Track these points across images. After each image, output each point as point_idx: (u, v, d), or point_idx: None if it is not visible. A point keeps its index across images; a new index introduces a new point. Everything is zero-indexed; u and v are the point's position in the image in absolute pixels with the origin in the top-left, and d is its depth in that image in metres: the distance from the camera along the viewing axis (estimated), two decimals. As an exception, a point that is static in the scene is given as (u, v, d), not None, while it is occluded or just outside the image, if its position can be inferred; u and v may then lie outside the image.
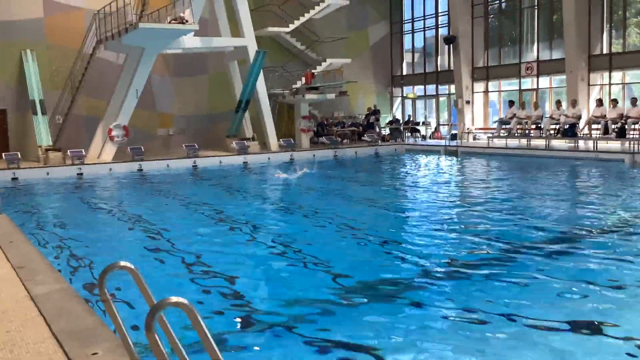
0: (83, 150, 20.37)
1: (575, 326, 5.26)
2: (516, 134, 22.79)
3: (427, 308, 5.86)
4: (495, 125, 24.68)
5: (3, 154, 19.61)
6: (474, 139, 26.41)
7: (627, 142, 19.06)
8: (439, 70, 30.09)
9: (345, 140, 26.85)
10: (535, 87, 25.58)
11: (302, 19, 26.94)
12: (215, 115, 26.49)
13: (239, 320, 5.73)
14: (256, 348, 5.06)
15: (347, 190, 14.89)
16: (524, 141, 22.48)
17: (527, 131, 22.59)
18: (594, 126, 20.87)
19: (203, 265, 7.57)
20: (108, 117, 21.69)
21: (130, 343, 3.14)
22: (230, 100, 25.03)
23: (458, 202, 12.78)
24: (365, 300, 6.16)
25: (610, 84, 22.86)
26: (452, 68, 28.43)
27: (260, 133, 24.34)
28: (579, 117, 21.17)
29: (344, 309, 5.91)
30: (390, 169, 20.49)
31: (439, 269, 7.22)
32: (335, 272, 7.17)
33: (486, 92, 27.81)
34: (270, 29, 26.17)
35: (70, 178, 18.66)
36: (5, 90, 22.45)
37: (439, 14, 29.61)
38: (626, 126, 19.43)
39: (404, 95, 32.12)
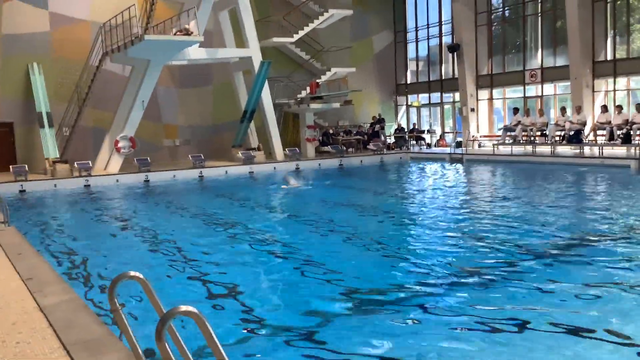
0: (90, 162, 20.47)
1: (585, 332, 5.25)
2: (521, 141, 22.78)
3: (436, 316, 5.87)
4: (500, 133, 24.68)
5: (11, 167, 19.71)
6: (479, 146, 26.41)
7: (633, 147, 19.03)
8: (443, 78, 30.14)
9: (350, 149, 26.89)
10: (539, 94, 25.58)
11: (306, 29, 27.06)
12: (221, 126, 26.60)
13: (246, 329, 5.74)
14: (264, 357, 5.07)
15: (353, 199, 14.90)
16: (529, 148, 22.47)
17: (532, 138, 22.58)
18: (599, 132, 20.86)
19: (211, 275, 7.59)
20: (114, 128, 21.80)
21: (141, 353, 3.17)
22: (235, 111, 25.13)
23: (464, 210, 12.77)
24: (374, 308, 6.17)
25: (615, 90, 22.84)
26: (456, 76, 28.48)
27: (266, 143, 24.42)
28: (584, 124, 21.16)
29: (352, 317, 5.93)
30: (396, 178, 20.50)
31: (446, 277, 7.23)
32: (343, 280, 7.18)
33: (490, 99, 27.83)
34: (275, 39, 26.30)
35: (78, 190, 18.75)
36: (12, 104, 22.62)
37: (443, 23, 29.69)
38: (631, 132, 19.41)
39: (409, 103, 32.18)
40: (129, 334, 3.23)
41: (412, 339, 5.32)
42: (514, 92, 27.24)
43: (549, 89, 25.39)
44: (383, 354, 5.01)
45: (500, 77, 27.03)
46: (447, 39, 29.43)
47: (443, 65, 30.25)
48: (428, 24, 30.54)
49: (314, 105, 25.68)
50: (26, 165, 19.77)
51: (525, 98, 26.10)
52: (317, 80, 26.91)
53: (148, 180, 20.16)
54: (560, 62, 24.46)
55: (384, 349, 5.11)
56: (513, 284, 6.75)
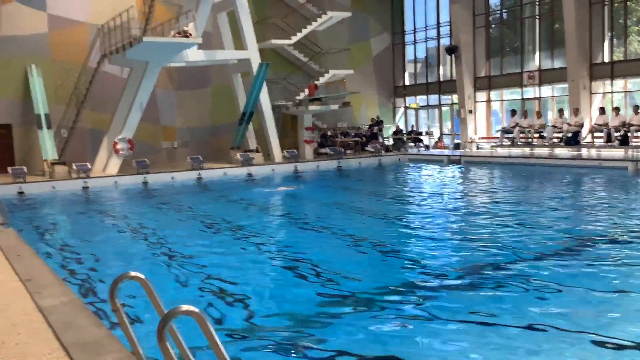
0: (88, 163, 20.47)
1: (584, 333, 5.27)
2: (519, 143, 22.82)
3: (435, 317, 5.88)
4: (498, 134, 24.72)
5: (9, 168, 19.69)
6: (477, 148, 26.46)
7: (630, 149, 19.09)
8: (441, 80, 30.20)
9: (348, 151, 26.92)
10: (537, 96, 25.65)
11: (305, 31, 27.10)
12: (219, 127, 26.61)
13: (245, 329, 5.76)
14: (264, 357, 5.09)
15: (352, 201, 14.92)
16: (527, 150, 22.52)
17: (530, 140, 22.63)
18: (596, 134, 20.92)
19: (212, 276, 7.60)
20: (113, 130, 21.81)
21: (142, 353, 3.18)
22: (234, 113, 25.15)
23: (463, 212, 12.80)
24: (373, 309, 6.19)
25: (612, 92, 22.91)
26: (454, 78, 28.54)
27: (264, 144, 24.43)
28: (582, 126, 21.23)
29: (350, 318, 5.95)
30: (394, 179, 20.53)
31: (446, 279, 7.24)
32: (340, 280, 7.20)
33: (488, 101, 27.89)
34: (273, 41, 26.32)
35: (76, 191, 18.74)
36: (11, 105, 22.61)
37: (441, 25, 29.75)
38: (629, 134, 19.48)
39: (407, 105, 32.23)
40: (129, 334, 3.24)
41: (409, 339, 5.34)
42: (511, 94, 27.31)
43: (546, 90, 25.46)
44: (382, 355, 5.02)
45: (498, 79, 27.10)
46: (445, 41, 29.49)
47: (441, 67, 30.31)
48: (426, 26, 30.60)
49: (313, 107, 25.72)
50: (25, 167, 19.77)
51: (523, 100, 26.17)
52: (316, 82, 26.94)
53: (146, 182, 20.15)
54: (557, 64, 24.52)
55: (382, 349, 5.13)
56: (511, 286, 6.76)
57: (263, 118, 24.14)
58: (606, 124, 20.32)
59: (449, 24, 28.74)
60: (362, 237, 9.90)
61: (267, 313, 6.21)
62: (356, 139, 27.85)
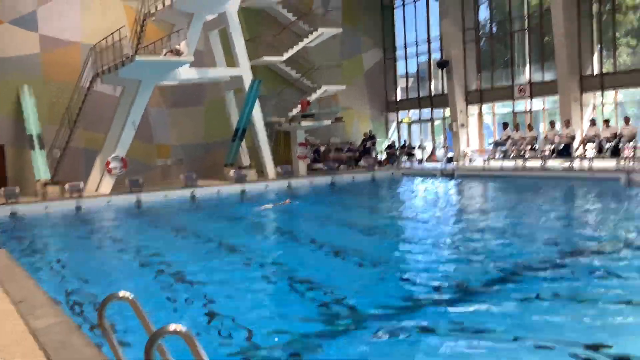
0: (81, 183, 20.42)
1: (581, 345, 5.28)
2: (511, 156, 22.92)
3: (432, 332, 5.88)
4: (490, 147, 24.82)
5: (1, 189, 19.61)
6: (470, 161, 26.54)
7: (622, 160, 19.19)
8: (432, 94, 30.36)
9: (342, 166, 26.95)
10: (528, 108, 25.80)
11: (296, 48, 27.24)
12: (212, 145, 26.62)
13: (238, 349, 5.73)
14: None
15: (346, 216, 14.93)
16: (519, 162, 22.60)
17: (522, 152, 22.72)
18: (588, 146, 21.03)
19: (203, 295, 7.57)
20: (106, 149, 21.80)
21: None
22: (227, 129, 25.18)
23: (458, 225, 12.82)
24: (370, 325, 6.17)
25: (602, 104, 23.07)
26: (446, 92, 28.69)
27: (258, 161, 24.45)
28: (573, 137, 21.35)
29: (347, 336, 5.94)
30: (388, 194, 20.57)
31: (441, 293, 7.25)
32: (338, 298, 7.19)
33: (480, 114, 28.03)
34: (265, 58, 26.45)
35: (69, 211, 18.67)
36: (3, 126, 22.58)
37: (431, 40, 29.98)
38: (620, 145, 19.59)
39: (399, 119, 32.36)
40: (118, 354, 3.23)
41: (408, 354, 5.33)
42: (503, 107, 27.46)
43: (537, 103, 25.62)
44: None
45: (489, 92, 27.26)
46: (436, 56, 29.69)
47: (432, 81, 30.49)
48: (417, 41, 30.82)
49: (305, 123, 25.79)
50: (17, 188, 19.69)
51: (514, 113, 26.31)
52: (308, 98, 27.04)
53: (140, 201, 20.10)
54: (548, 77, 24.70)
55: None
56: (505, 299, 6.77)
57: (256, 134, 24.18)
58: (597, 136, 20.44)
59: (439, 38, 28.96)
60: (355, 252, 9.89)
61: (262, 331, 6.17)
62: (349, 154, 27.90)
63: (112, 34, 20.79)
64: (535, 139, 22.72)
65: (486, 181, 21.23)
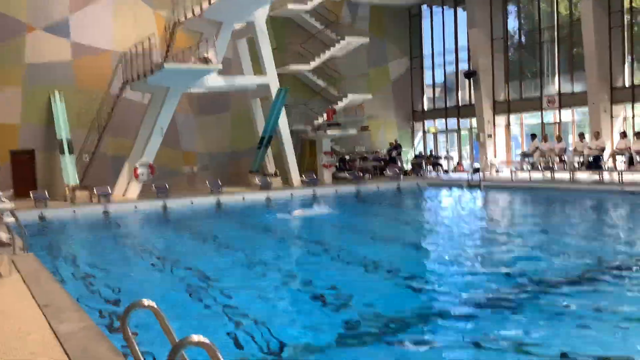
0: (109, 188, 20.66)
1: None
2: (540, 167, 22.62)
3: (452, 344, 5.81)
4: (518, 159, 24.54)
5: (31, 193, 19.94)
6: (497, 172, 26.26)
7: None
8: (460, 104, 30.16)
9: (367, 175, 26.87)
10: (557, 120, 25.47)
11: (323, 57, 27.31)
12: (238, 152, 26.76)
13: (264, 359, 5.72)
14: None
15: (371, 226, 14.86)
16: (547, 174, 22.30)
17: (550, 164, 22.42)
18: (618, 158, 20.68)
19: (229, 305, 7.56)
20: (133, 155, 22.05)
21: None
22: (253, 137, 25.30)
23: (483, 237, 12.68)
24: (393, 336, 6.12)
25: (633, 116, 22.67)
26: (473, 102, 28.48)
27: (283, 169, 24.51)
28: (603, 149, 21.00)
29: (371, 345, 5.89)
30: (413, 204, 20.43)
31: (465, 305, 7.16)
32: (359, 308, 7.15)
33: (508, 125, 27.75)
34: (292, 66, 26.57)
35: (97, 216, 18.89)
36: (34, 131, 23.01)
37: (459, 49, 29.81)
38: (651, 158, 19.23)
39: (426, 129, 32.20)
40: (141, 363, 3.24)
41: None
42: (531, 118, 27.16)
43: (566, 114, 25.28)
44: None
45: (517, 103, 26.99)
46: (463, 65, 29.52)
47: (460, 91, 30.29)
48: (444, 51, 30.67)
49: (331, 132, 25.79)
50: (46, 192, 20.01)
51: (542, 124, 26.00)
52: (334, 107, 27.05)
53: (166, 207, 20.26)
54: (577, 88, 24.38)
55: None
56: (532, 312, 6.67)
57: (282, 143, 24.26)
58: (628, 148, 20.08)
59: (467, 48, 28.80)
60: (380, 263, 9.83)
61: (285, 341, 6.15)
62: (375, 163, 27.80)
63: (142, 42, 21.08)
64: (564, 150, 22.42)
65: (513, 193, 20.95)
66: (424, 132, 32.31)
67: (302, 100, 27.59)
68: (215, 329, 6.55)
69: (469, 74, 27.76)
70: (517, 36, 27.45)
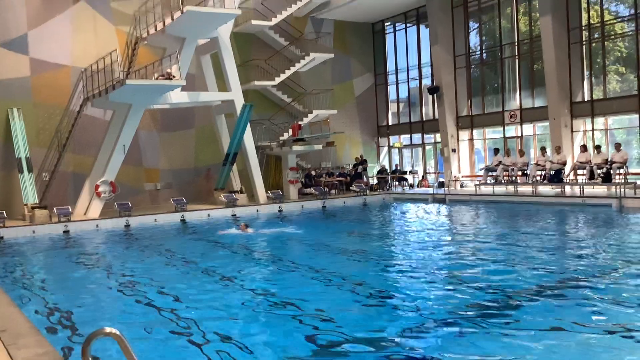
0: (69, 207, 20.18)
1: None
2: (503, 181, 22.92)
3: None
4: (481, 173, 24.84)
5: (-13, 213, 19.33)
6: (461, 186, 26.54)
7: (613, 186, 19.23)
8: (424, 119, 30.47)
9: (333, 191, 26.86)
10: (519, 134, 25.90)
11: (288, 73, 27.33)
12: (203, 169, 26.49)
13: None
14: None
15: (337, 242, 14.76)
16: (510, 188, 22.60)
17: (513, 178, 22.74)
18: (579, 172, 21.08)
19: (194, 327, 7.36)
20: (95, 173, 21.60)
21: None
22: (217, 154, 25.08)
23: (449, 251, 12.70)
24: (361, 353, 6.01)
25: (593, 130, 23.19)
26: (437, 117, 28.79)
27: (248, 185, 24.31)
28: (564, 163, 21.39)
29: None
30: (380, 219, 20.43)
31: (432, 321, 7.09)
32: (325, 325, 7.02)
33: (471, 140, 28.11)
34: (257, 82, 26.50)
35: (57, 236, 18.40)
36: (-9, 149, 22.39)
37: (422, 65, 30.18)
38: (611, 171, 19.64)
39: (391, 144, 32.41)
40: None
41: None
42: (494, 133, 27.57)
43: (528, 129, 25.73)
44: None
45: (480, 118, 27.38)
46: (426, 81, 29.88)
47: (423, 106, 30.61)
48: (408, 67, 31.02)
49: (296, 148, 25.74)
50: (4, 211, 19.42)
51: (505, 138, 26.41)
52: (299, 123, 27.04)
53: (129, 225, 19.87)
54: (538, 102, 24.86)
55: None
56: (497, 327, 6.64)
57: (247, 159, 24.08)
58: (589, 162, 20.49)
59: (430, 64, 29.16)
60: (347, 279, 9.73)
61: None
62: (340, 178, 27.83)
63: (103, 57, 20.75)
64: (526, 164, 22.77)
65: (478, 206, 21.17)
66: (389, 147, 32.51)
67: (267, 115, 27.50)
68: (175, 352, 6.35)
69: (433, 90, 28.09)
70: (478, 52, 27.90)
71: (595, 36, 23.09)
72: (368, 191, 26.44)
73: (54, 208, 19.86)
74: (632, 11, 22.09)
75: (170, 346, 6.71)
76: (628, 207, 17.66)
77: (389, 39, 31.96)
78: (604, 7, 22.90)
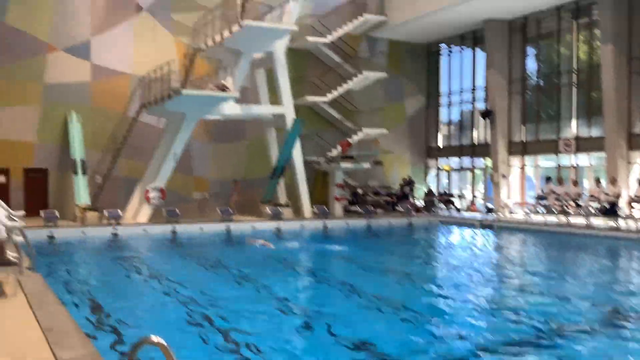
0: (119, 210, 20.59)
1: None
2: (554, 211, 22.33)
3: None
4: (531, 200, 24.28)
5: (41, 212, 19.89)
6: (510, 213, 25.98)
7: (671, 223, 18.50)
8: (475, 143, 30.03)
9: (379, 210, 26.66)
10: (573, 164, 25.24)
11: (340, 90, 27.40)
12: (251, 181, 26.69)
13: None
14: None
15: (381, 263, 14.62)
16: (562, 218, 21.99)
17: (566, 208, 22.12)
18: (635, 205, 20.36)
19: (236, 338, 7.36)
20: (146, 178, 22.03)
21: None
22: (266, 166, 25.24)
23: (495, 279, 12.41)
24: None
25: (651, 163, 22.41)
26: (488, 141, 28.34)
27: (295, 199, 24.38)
28: (619, 196, 20.70)
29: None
30: (425, 242, 20.16)
31: (473, 350, 6.91)
32: (366, 348, 6.92)
33: (523, 166, 27.55)
34: (309, 98, 26.64)
35: (106, 238, 18.78)
36: (49, 150, 23.12)
37: (476, 89, 29.82)
38: (669, 207, 18.92)
39: (439, 166, 32.06)
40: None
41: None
42: (546, 161, 26.94)
43: (583, 159, 25.05)
44: None
45: (533, 145, 26.81)
46: (479, 105, 29.49)
47: (475, 130, 30.19)
48: (461, 89, 30.70)
49: (345, 165, 25.71)
50: (56, 211, 19.95)
51: (558, 167, 25.78)
52: (349, 140, 27.02)
53: (175, 232, 20.14)
54: (595, 132, 24.19)
55: None
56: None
57: (295, 173, 24.17)
58: (645, 195, 19.79)
59: (484, 88, 28.80)
60: (389, 302, 9.60)
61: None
62: (387, 198, 27.61)
63: (161, 66, 21.23)
64: (579, 195, 22.13)
65: (526, 235, 20.67)
66: (438, 169, 32.16)
67: (316, 131, 27.57)
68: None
69: (485, 114, 27.69)
70: (535, 78, 27.40)
71: (658, 67, 22.39)
72: (414, 212, 26.15)
73: (105, 211, 20.30)
74: (699, 43, 21.34)
75: (211, 353, 6.73)
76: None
77: (444, 60, 31.73)
78: (669, 37, 22.20)
